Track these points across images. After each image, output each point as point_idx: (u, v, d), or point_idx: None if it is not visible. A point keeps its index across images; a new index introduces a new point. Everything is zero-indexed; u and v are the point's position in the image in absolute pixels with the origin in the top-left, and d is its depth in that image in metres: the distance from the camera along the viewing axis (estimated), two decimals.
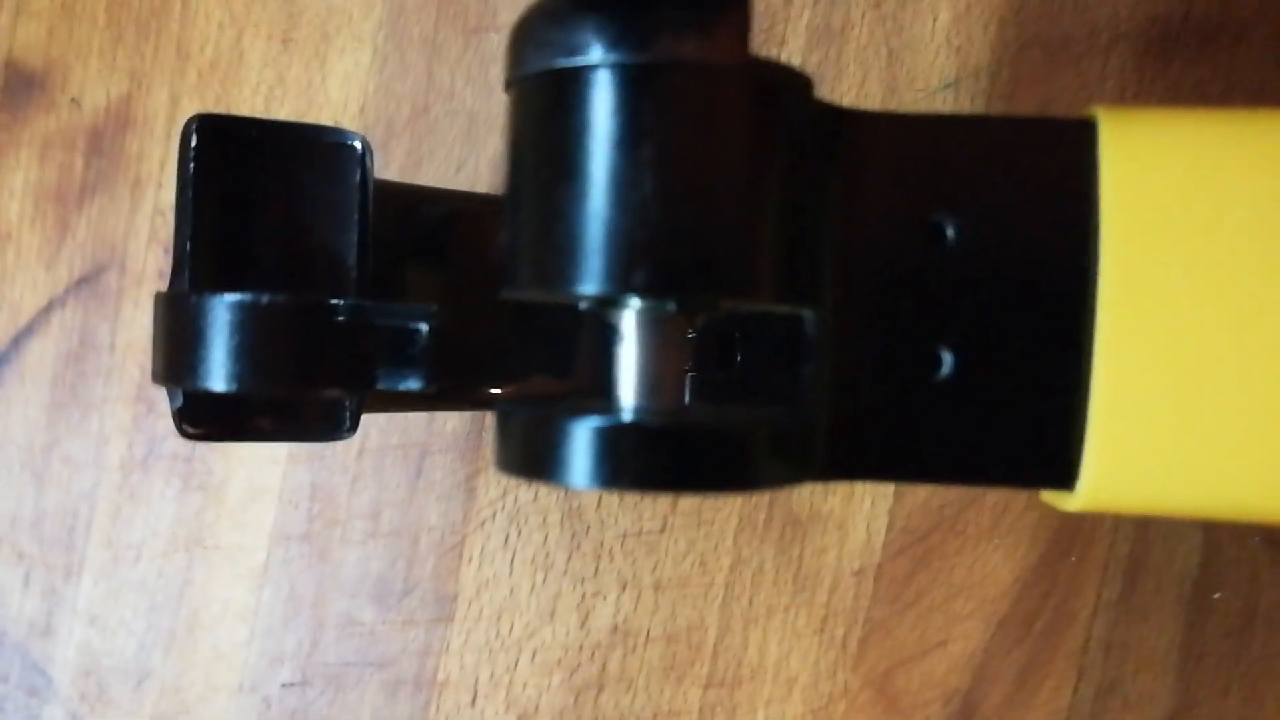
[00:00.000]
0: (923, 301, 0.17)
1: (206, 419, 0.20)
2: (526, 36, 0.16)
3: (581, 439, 0.16)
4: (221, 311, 0.18)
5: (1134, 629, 0.34)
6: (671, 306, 0.17)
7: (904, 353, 0.17)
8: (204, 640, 0.38)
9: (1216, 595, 0.34)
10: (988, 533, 0.35)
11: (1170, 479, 0.17)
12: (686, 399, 0.27)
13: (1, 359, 0.39)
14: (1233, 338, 0.17)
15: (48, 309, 0.39)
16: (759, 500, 0.35)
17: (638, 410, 0.17)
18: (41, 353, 0.39)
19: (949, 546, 0.35)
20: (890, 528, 0.35)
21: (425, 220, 0.28)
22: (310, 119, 0.38)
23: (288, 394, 0.20)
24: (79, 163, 0.39)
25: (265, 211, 0.22)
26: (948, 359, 0.17)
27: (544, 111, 0.16)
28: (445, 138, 0.37)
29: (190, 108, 0.38)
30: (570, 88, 0.15)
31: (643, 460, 0.16)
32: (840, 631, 0.35)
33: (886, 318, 0.17)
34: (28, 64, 0.39)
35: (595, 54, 0.15)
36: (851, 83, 0.35)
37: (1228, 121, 0.17)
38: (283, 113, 0.38)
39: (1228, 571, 0.34)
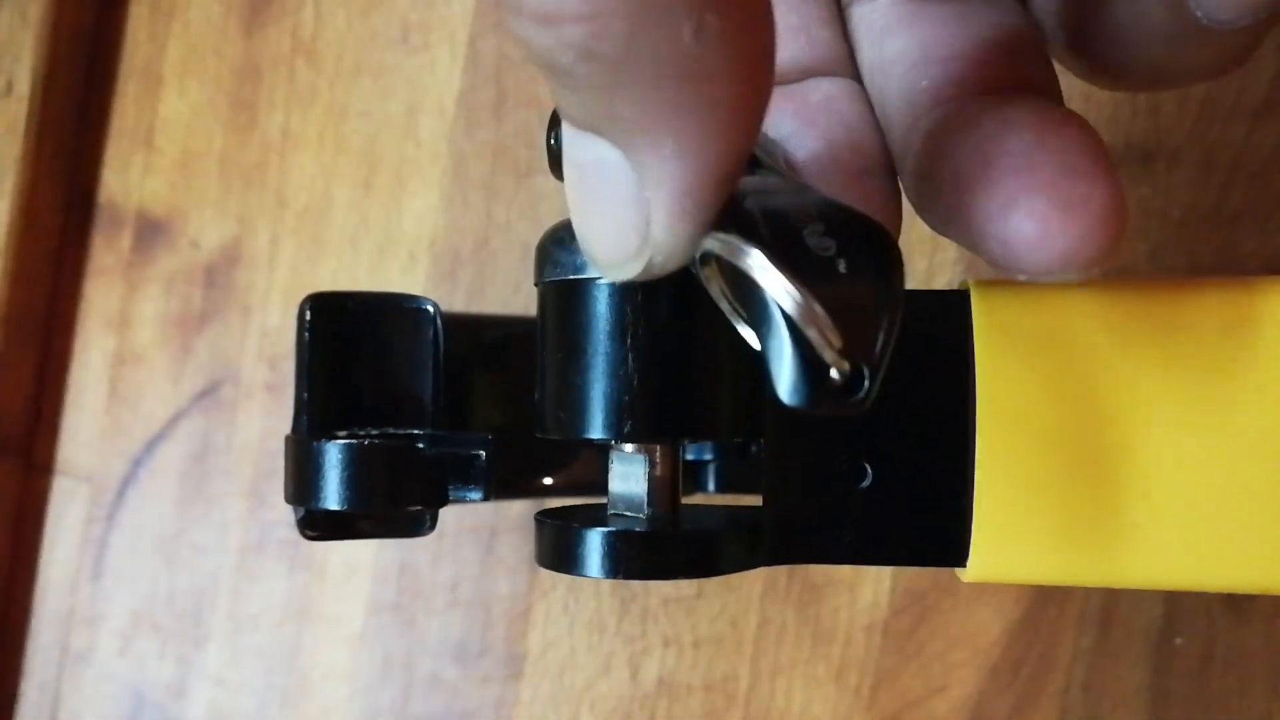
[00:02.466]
0: (848, 427, 0.23)
1: (321, 526, 0.26)
2: (545, 255, 0.22)
3: (592, 543, 0.21)
4: (333, 452, 0.24)
5: (1108, 672, 0.37)
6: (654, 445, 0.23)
7: (834, 468, 0.23)
8: (312, 698, 0.42)
9: (1178, 640, 0.37)
10: (978, 591, 0.38)
11: (1033, 558, 0.22)
12: (712, 487, 0.32)
13: (138, 462, 0.44)
14: (1073, 452, 0.22)
15: (175, 418, 0.44)
16: (780, 568, 0.40)
17: (633, 519, 0.23)
18: (170, 456, 0.44)
19: (945, 604, 0.39)
20: (894, 589, 0.39)
21: (488, 340, 0.34)
22: (389, 252, 0.43)
23: (383, 510, 0.26)
24: (197, 294, 0.44)
25: (362, 363, 0.27)
26: (868, 471, 0.23)
27: (558, 310, 0.22)
28: (504, 265, 0.42)
29: (288, 246, 0.43)
30: (576, 294, 0.21)
31: (637, 558, 0.21)
32: (854, 680, 0.39)
33: (819, 441, 0.23)
34: (154, 213, 0.45)
35: (591, 272, 0.21)
36: None
37: (1062, 290, 0.22)
38: (365, 247, 0.43)
39: (1187, 620, 0.37)
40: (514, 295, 0.42)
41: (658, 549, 0.21)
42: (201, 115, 0.45)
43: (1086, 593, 0.38)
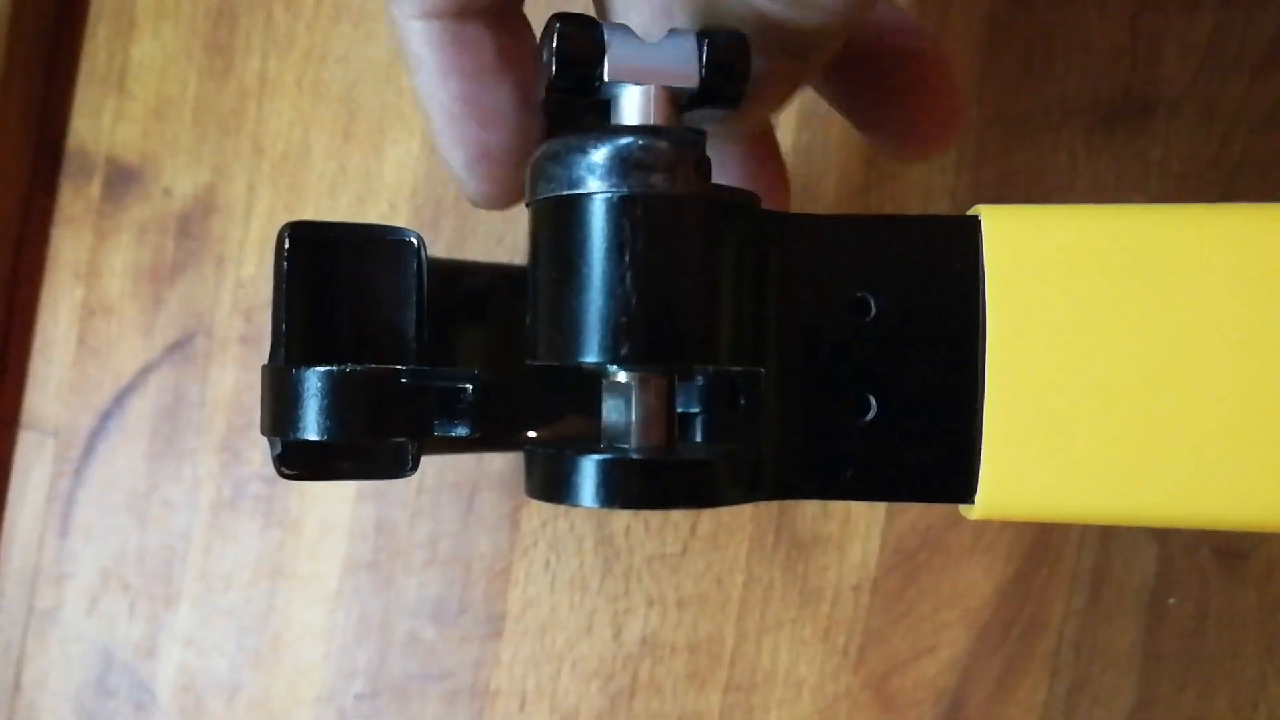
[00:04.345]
0: (852, 359, 0.22)
1: (300, 463, 0.25)
2: (539, 171, 0.21)
3: (587, 470, 0.20)
4: (313, 379, 0.23)
5: (1100, 633, 0.37)
6: (651, 370, 0.22)
7: (837, 399, 0.22)
8: (287, 658, 0.42)
9: (1171, 601, 0.37)
10: (969, 550, 0.38)
11: (1046, 492, 0.21)
12: (699, 437, 0.32)
13: (107, 415, 0.43)
14: (1087, 383, 0.21)
15: (145, 371, 0.43)
16: (766, 526, 0.39)
17: (628, 447, 0.22)
18: (141, 409, 0.43)
19: (935, 563, 0.38)
20: (883, 548, 0.38)
21: (470, 289, 0.33)
22: (369, 202, 0.42)
23: (363, 442, 0.25)
24: (170, 244, 0.43)
25: (342, 296, 0.26)
26: (873, 404, 0.22)
27: (552, 227, 0.21)
28: (487, 215, 0.41)
29: (265, 195, 0.42)
30: (571, 210, 0.20)
31: (629, 485, 0.20)
32: (842, 640, 0.39)
33: (822, 372, 0.22)
34: (125, 160, 0.43)
35: (589, 186, 0.20)
36: (837, 158, 0.39)
37: (1075, 214, 0.22)
38: (345, 197, 0.42)
39: (1180, 580, 0.37)
40: (497, 246, 0.41)
41: (656, 477, 0.21)
42: (175, 59, 0.43)
43: (1079, 552, 0.37)
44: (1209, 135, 0.37)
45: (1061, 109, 0.38)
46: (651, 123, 0.21)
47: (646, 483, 0.20)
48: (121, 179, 0.43)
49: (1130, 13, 0.37)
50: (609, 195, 0.20)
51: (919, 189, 0.38)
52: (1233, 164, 0.37)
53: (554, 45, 0.21)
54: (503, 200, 0.27)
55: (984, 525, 0.38)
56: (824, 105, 0.39)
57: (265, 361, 0.25)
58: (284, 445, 0.24)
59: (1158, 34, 0.37)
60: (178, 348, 0.43)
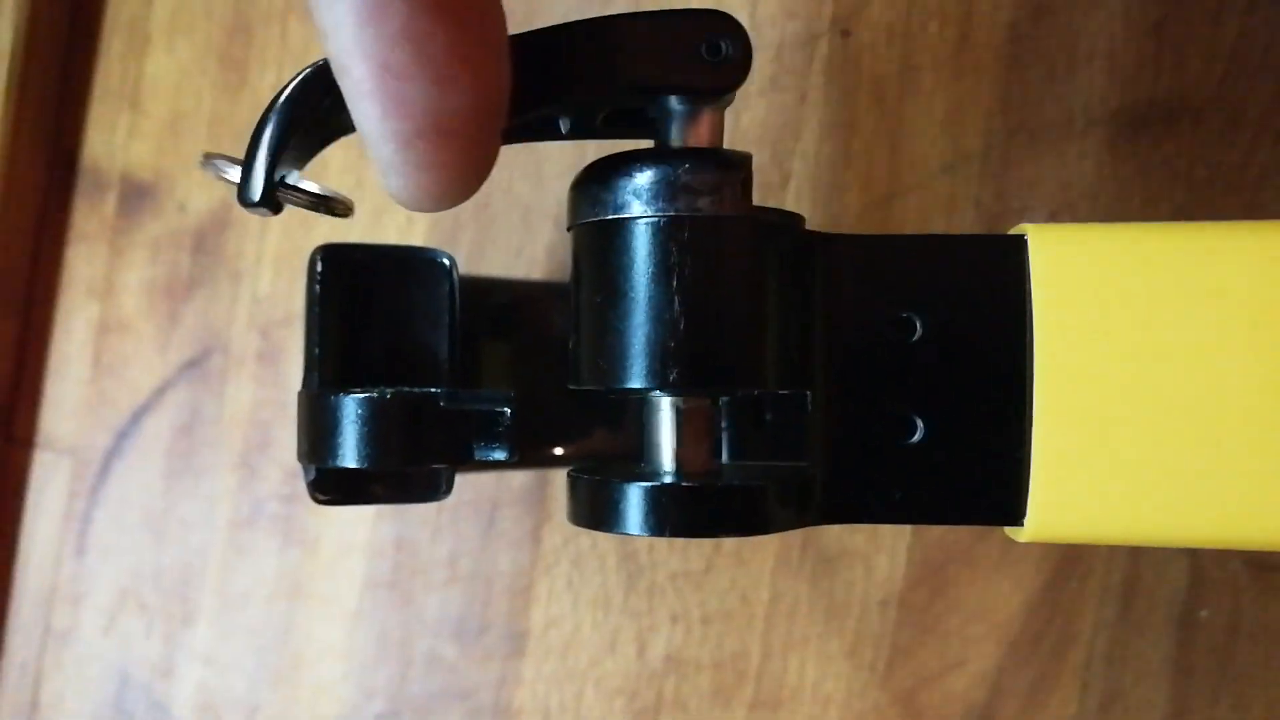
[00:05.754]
0: (898, 380, 0.22)
1: (333, 489, 0.24)
2: (582, 194, 0.21)
3: (634, 498, 0.20)
4: (351, 406, 0.22)
5: (1131, 645, 0.37)
6: (697, 395, 0.21)
7: (883, 422, 0.22)
8: (306, 677, 0.41)
9: (1203, 613, 0.37)
10: (997, 563, 0.38)
11: (1096, 514, 0.21)
12: (724, 455, 0.31)
13: (123, 434, 0.43)
14: (1136, 403, 0.21)
15: (162, 389, 0.43)
16: (792, 541, 0.39)
17: (675, 473, 0.21)
18: (157, 427, 0.42)
19: (963, 576, 0.38)
20: (910, 561, 0.38)
21: (495, 305, 0.33)
22: (386, 215, 0.41)
23: (402, 468, 0.24)
24: (185, 260, 0.43)
25: (374, 317, 0.26)
26: (919, 426, 0.22)
27: (597, 251, 0.21)
28: (505, 227, 0.40)
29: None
30: (616, 234, 0.20)
31: (680, 513, 0.20)
32: (869, 655, 0.38)
33: (868, 394, 0.22)
34: (140, 176, 0.43)
35: (633, 210, 0.20)
36: (859, 170, 0.39)
37: (1123, 233, 0.21)
38: (361, 210, 0.42)
39: (1212, 592, 0.37)
40: (515, 260, 0.41)
41: (705, 504, 0.20)
42: (190, 74, 0.43)
43: (1108, 564, 0.37)
44: (1234, 142, 0.36)
45: (1085, 117, 0.37)
46: (697, 144, 0.21)
47: (696, 510, 0.20)
48: (136, 195, 0.43)
49: (1154, 20, 0.37)
50: (655, 219, 0.20)
51: (943, 199, 0.38)
52: (1259, 170, 0.36)
53: None
54: (449, 196, 0.21)
55: (1012, 539, 0.38)
56: (846, 115, 0.39)
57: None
58: (318, 471, 0.24)
59: (1181, 41, 0.37)
60: (194, 365, 0.42)
